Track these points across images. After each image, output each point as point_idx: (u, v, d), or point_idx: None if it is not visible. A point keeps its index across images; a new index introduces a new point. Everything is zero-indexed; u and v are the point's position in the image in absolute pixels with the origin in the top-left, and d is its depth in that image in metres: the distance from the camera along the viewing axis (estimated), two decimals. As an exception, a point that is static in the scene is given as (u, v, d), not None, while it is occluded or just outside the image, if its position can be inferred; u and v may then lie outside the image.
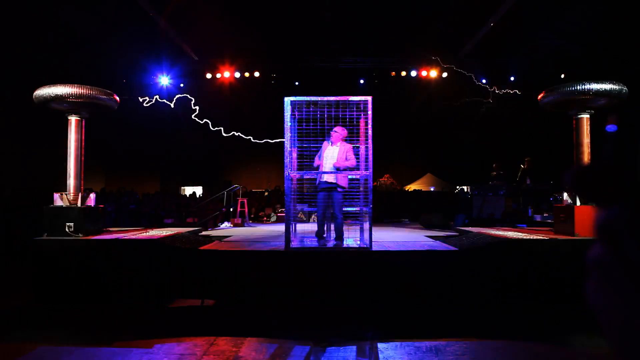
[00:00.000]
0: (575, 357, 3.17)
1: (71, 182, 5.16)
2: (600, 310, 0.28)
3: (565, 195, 5.19)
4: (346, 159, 4.84)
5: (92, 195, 5.28)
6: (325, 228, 5.06)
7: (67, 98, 4.90)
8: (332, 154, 4.94)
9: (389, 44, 13.26)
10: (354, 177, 4.96)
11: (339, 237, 4.90)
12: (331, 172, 4.83)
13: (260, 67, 14.29)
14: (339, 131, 4.94)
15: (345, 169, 4.82)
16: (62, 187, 5.25)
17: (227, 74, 14.20)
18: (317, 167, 5.01)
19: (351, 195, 4.98)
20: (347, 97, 4.70)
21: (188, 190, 16.72)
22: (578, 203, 4.87)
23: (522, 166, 9.55)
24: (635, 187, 0.28)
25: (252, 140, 10.28)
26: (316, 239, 5.04)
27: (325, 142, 5.04)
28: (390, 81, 14.60)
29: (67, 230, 4.78)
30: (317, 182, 4.95)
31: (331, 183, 4.84)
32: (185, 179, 18.11)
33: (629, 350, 0.27)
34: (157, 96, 5.41)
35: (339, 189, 4.84)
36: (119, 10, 10.63)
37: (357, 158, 4.93)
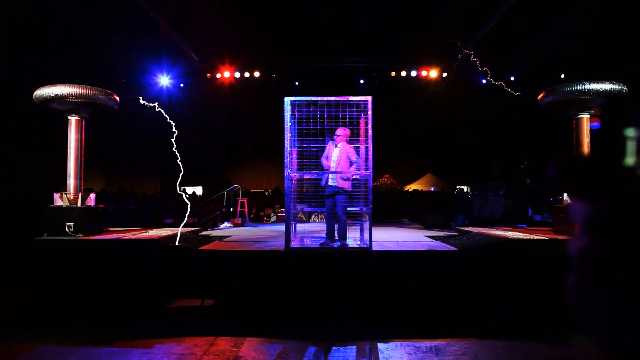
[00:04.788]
0: (575, 356, 3.17)
1: (71, 182, 5.16)
2: (583, 308, 0.28)
3: (565, 195, 5.20)
4: (349, 160, 4.85)
5: (92, 195, 5.28)
6: (333, 229, 5.05)
7: (67, 98, 4.90)
8: (334, 156, 4.96)
9: (389, 44, 13.25)
10: (354, 176, 4.96)
11: (342, 236, 4.91)
12: (335, 173, 4.82)
13: (260, 67, 14.29)
14: (340, 134, 4.93)
15: (354, 172, 4.83)
16: (62, 187, 5.25)
17: (227, 74, 14.20)
18: (326, 168, 5.01)
19: (351, 195, 4.99)
20: (347, 97, 4.70)
21: (188, 190, 16.71)
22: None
23: (522, 166, 9.55)
24: (628, 179, 0.28)
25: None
26: (323, 240, 5.02)
27: (330, 144, 5.03)
28: (390, 81, 14.60)
29: (67, 230, 4.78)
30: (324, 184, 4.93)
31: (334, 186, 4.85)
32: (185, 179, 18.10)
33: (614, 349, 0.26)
34: (157, 103, 5.40)
35: (342, 193, 4.84)
36: (119, 10, 10.63)
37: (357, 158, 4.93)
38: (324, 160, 5.03)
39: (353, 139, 4.97)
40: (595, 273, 0.27)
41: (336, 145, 4.97)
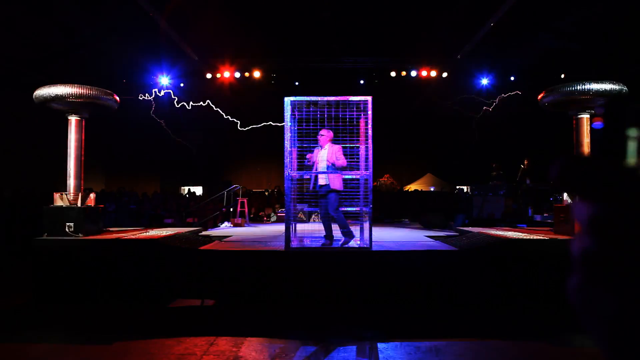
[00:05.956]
0: (575, 356, 3.17)
1: (71, 182, 5.16)
2: (586, 308, 0.28)
3: (565, 195, 5.20)
4: (336, 158, 4.82)
5: (92, 195, 5.27)
6: (331, 229, 5.03)
7: (67, 98, 4.90)
8: (322, 157, 4.93)
9: (389, 44, 13.25)
10: (352, 177, 4.96)
11: (348, 233, 4.87)
12: (323, 173, 4.81)
13: (260, 67, 14.29)
14: (324, 134, 4.92)
15: (339, 168, 4.79)
16: (62, 187, 5.25)
17: (227, 74, 14.20)
18: (311, 166, 4.99)
19: (351, 196, 4.98)
20: (347, 97, 4.70)
21: (186, 191, 16.73)
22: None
23: (522, 166, 9.56)
24: (630, 179, 0.28)
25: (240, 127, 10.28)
26: (323, 240, 5.00)
27: (316, 149, 5.04)
28: (390, 81, 14.60)
29: (67, 230, 4.78)
30: (311, 186, 4.94)
31: (324, 186, 4.84)
32: (185, 179, 18.11)
33: (617, 349, 0.26)
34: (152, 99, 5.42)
35: (334, 192, 4.81)
36: (119, 10, 10.62)
37: (357, 158, 4.92)
38: (309, 159, 5.00)
39: (353, 139, 4.97)
40: (597, 273, 0.27)
41: (322, 147, 4.95)
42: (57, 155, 6.93)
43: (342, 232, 4.89)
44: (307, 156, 5.01)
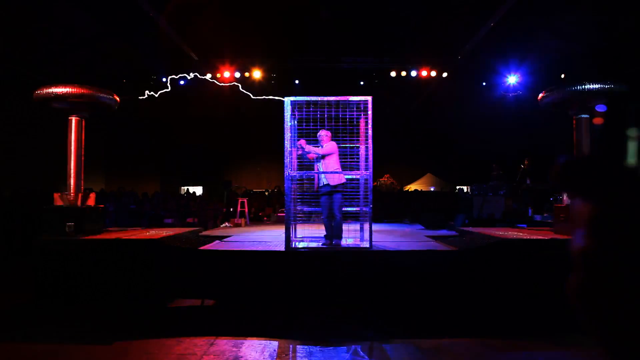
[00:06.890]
0: (576, 356, 3.17)
1: (71, 182, 5.15)
2: (586, 307, 0.28)
3: (565, 195, 5.19)
4: (338, 158, 4.89)
5: (92, 195, 5.27)
6: (332, 229, 5.03)
7: (67, 98, 4.90)
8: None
9: (389, 44, 13.25)
10: (352, 177, 4.96)
11: (338, 235, 4.89)
12: (325, 173, 4.82)
13: (260, 67, 14.30)
14: (325, 134, 4.97)
15: (323, 156, 4.83)
16: (62, 187, 5.25)
17: (227, 74, 14.21)
18: (304, 154, 5.02)
19: (351, 196, 4.98)
20: (347, 97, 4.70)
21: (187, 191, 16.73)
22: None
23: (522, 166, 9.56)
24: (629, 179, 0.28)
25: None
26: (323, 240, 4.99)
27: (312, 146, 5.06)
28: (390, 81, 14.60)
29: (67, 230, 4.78)
30: (316, 186, 4.96)
31: (327, 185, 4.84)
32: (186, 179, 18.11)
33: (617, 348, 0.26)
34: (152, 92, 5.42)
35: (336, 190, 4.82)
36: (119, 10, 10.62)
37: (357, 158, 4.92)
38: (300, 146, 5.00)
39: (353, 139, 4.97)
40: (597, 272, 0.27)
41: (322, 147, 4.97)
42: (57, 155, 6.92)
43: (335, 233, 4.85)
44: (298, 143, 4.96)
